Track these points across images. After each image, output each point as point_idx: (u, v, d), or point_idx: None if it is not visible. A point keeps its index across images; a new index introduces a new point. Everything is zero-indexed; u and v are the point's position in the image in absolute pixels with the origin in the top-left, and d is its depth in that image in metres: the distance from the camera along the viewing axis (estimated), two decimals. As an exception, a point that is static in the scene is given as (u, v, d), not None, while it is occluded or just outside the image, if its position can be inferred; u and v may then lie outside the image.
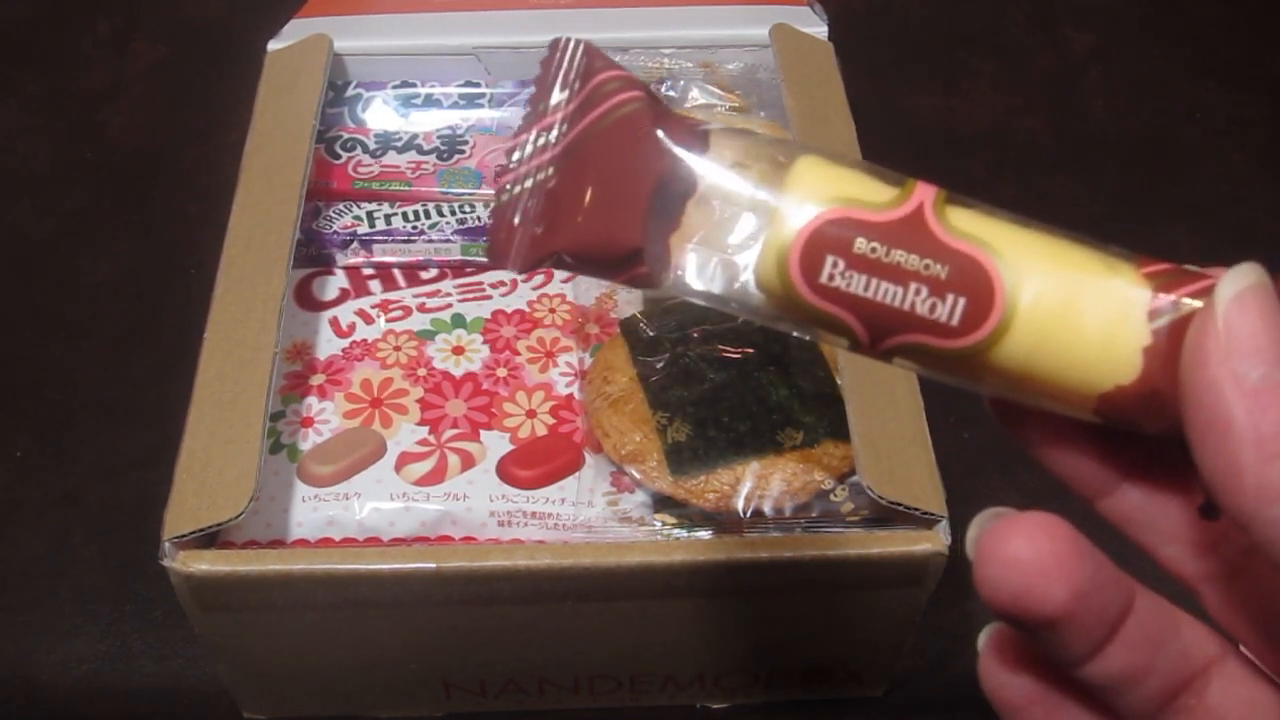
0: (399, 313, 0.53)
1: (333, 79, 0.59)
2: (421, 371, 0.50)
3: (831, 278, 0.21)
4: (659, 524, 0.45)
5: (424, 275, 0.55)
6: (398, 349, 0.51)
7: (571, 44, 0.23)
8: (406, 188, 0.55)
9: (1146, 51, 0.77)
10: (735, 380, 0.47)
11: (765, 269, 0.21)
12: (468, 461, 0.47)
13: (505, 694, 0.46)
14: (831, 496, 0.45)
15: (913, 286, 0.21)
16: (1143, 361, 0.20)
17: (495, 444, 0.48)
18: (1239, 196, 0.68)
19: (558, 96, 0.23)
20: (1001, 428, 0.23)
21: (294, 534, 0.45)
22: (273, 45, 0.57)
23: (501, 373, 0.50)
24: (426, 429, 0.48)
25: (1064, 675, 0.21)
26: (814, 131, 0.51)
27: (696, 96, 0.58)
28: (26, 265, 0.63)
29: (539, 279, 0.54)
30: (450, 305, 0.53)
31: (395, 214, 0.55)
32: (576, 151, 0.22)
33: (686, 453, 0.45)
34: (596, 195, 0.22)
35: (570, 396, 0.49)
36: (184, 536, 0.38)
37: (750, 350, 0.48)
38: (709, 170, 0.22)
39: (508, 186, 0.23)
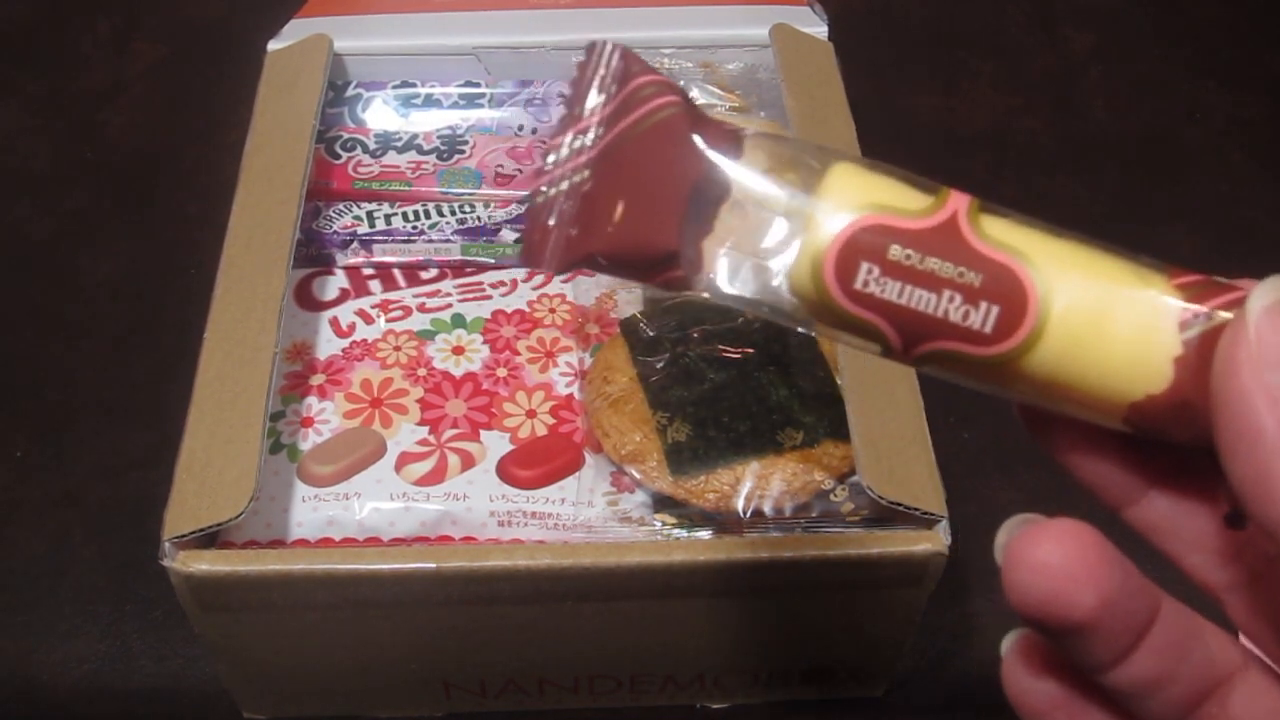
0: (399, 313, 0.53)
1: (333, 79, 0.59)
2: (421, 371, 0.50)
3: (866, 284, 0.21)
4: (659, 524, 0.45)
5: (424, 275, 0.55)
6: (398, 349, 0.51)
7: (608, 48, 0.23)
8: (406, 188, 0.55)
9: (1146, 51, 0.77)
10: (735, 380, 0.47)
11: (799, 274, 0.22)
12: (468, 461, 0.47)
13: (505, 694, 0.46)
14: (831, 496, 0.45)
15: (946, 294, 0.21)
16: (1173, 371, 0.21)
17: (495, 444, 0.48)
18: (1239, 196, 0.68)
19: (594, 100, 0.23)
20: (1030, 435, 0.23)
21: (294, 534, 0.45)
22: (273, 45, 0.57)
23: (501, 373, 0.50)
24: (426, 429, 0.48)
25: (1087, 681, 0.21)
26: (814, 131, 0.51)
27: (696, 96, 0.58)
28: (26, 265, 0.63)
29: (539, 279, 0.54)
30: (450, 305, 0.53)
31: (395, 214, 0.55)
32: (613, 155, 0.23)
33: (686, 453, 0.45)
34: (633, 199, 0.22)
35: (570, 396, 0.49)
36: (184, 536, 0.38)
37: (750, 350, 0.48)
38: (743, 175, 0.22)
39: (543, 189, 0.23)
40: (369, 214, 0.55)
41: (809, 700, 0.48)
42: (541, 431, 0.48)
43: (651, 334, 0.49)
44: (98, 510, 0.54)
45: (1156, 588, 0.21)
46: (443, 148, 0.57)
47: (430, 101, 0.59)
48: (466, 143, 0.57)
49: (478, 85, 0.59)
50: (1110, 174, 0.69)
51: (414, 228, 0.55)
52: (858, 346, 0.22)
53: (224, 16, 0.77)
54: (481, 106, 0.59)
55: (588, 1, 0.61)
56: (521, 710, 0.47)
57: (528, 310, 0.53)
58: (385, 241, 0.54)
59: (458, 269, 0.55)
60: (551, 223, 0.23)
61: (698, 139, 0.22)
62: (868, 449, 0.40)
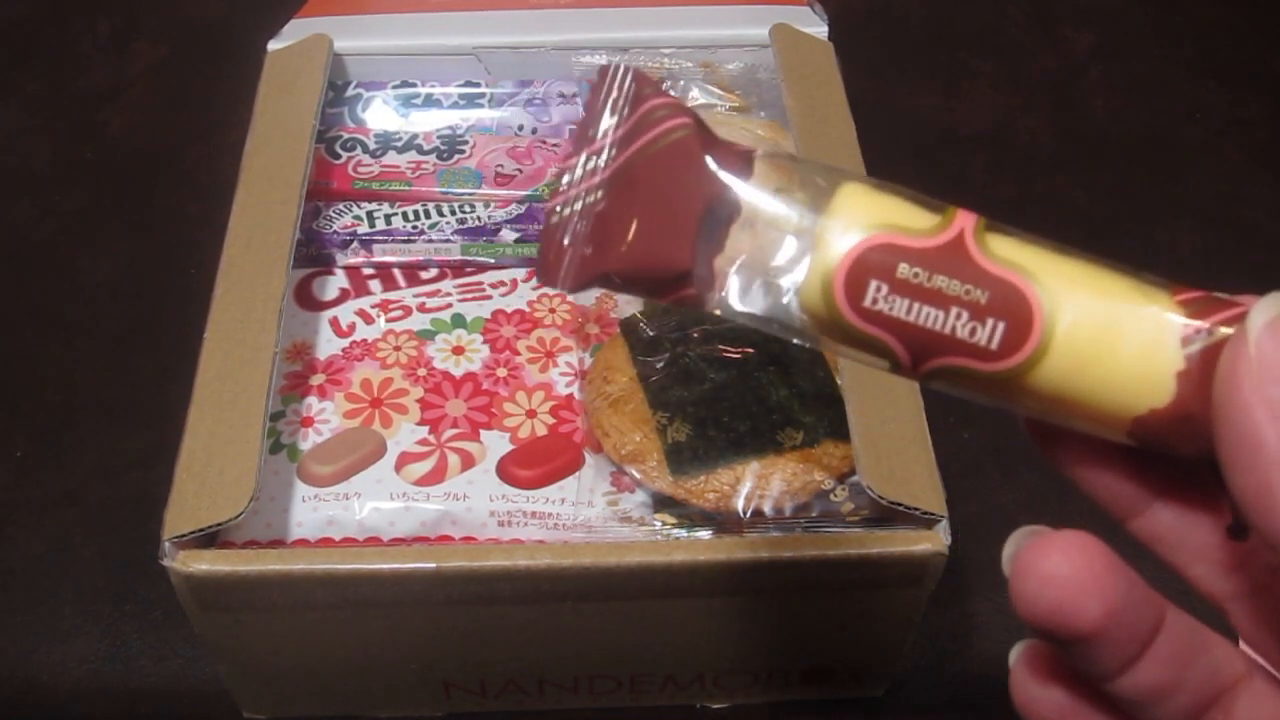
0: (399, 313, 0.53)
1: (333, 79, 0.59)
2: (421, 371, 0.50)
3: (875, 301, 0.22)
4: (659, 524, 0.45)
5: (424, 275, 0.55)
6: (398, 349, 0.51)
7: (621, 70, 0.24)
8: (406, 188, 0.55)
9: (1146, 51, 0.77)
10: (735, 380, 0.47)
11: (809, 292, 0.22)
12: (468, 461, 0.47)
13: (505, 694, 0.46)
14: (831, 496, 0.45)
15: (954, 311, 0.21)
16: (1176, 386, 0.21)
17: (495, 444, 0.48)
18: (1239, 196, 0.68)
19: (607, 122, 0.23)
20: (1037, 449, 0.24)
21: (294, 534, 0.45)
22: (273, 45, 0.57)
23: (501, 373, 0.50)
24: (426, 429, 0.48)
25: (1094, 690, 0.22)
26: (814, 131, 0.51)
27: (696, 96, 0.58)
28: (26, 265, 0.63)
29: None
30: (450, 305, 0.53)
31: (395, 214, 0.55)
32: (626, 176, 0.23)
33: (686, 453, 0.45)
34: (646, 218, 0.23)
35: (570, 396, 0.49)
36: (184, 536, 0.38)
37: (750, 350, 0.48)
38: (754, 195, 0.23)
39: (557, 208, 0.23)
40: (369, 214, 0.55)
41: (809, 700, 0.48)
42: (541, 431, 0.48)
43: (651, 334, 0.49)
44: (98, 510, 0.54)
45: (1161, 598, 0.21)
46: (443, 148, 0.57)
47: (430, 101, 0.59)
48: (466, 142, 0.57)
49: (478, 85, 0.59)
50: (1110, 174, 0.69)
51: (414, 228, 0.55)
52: (867, 363, 0.23)
53: (224, 16, 0.77)
54: (481, 106, 0.59)
55: (588, 1, 0.61)
56: (521, 710, 0.47)
57: (528, 310, 0.53)
58: (385, 241, 0.54)
59: (458, 269, 0.55)
60: (566, 242, 0.23)
61: (709, 160, 0.23)
62: (868, 449, 0.40)
